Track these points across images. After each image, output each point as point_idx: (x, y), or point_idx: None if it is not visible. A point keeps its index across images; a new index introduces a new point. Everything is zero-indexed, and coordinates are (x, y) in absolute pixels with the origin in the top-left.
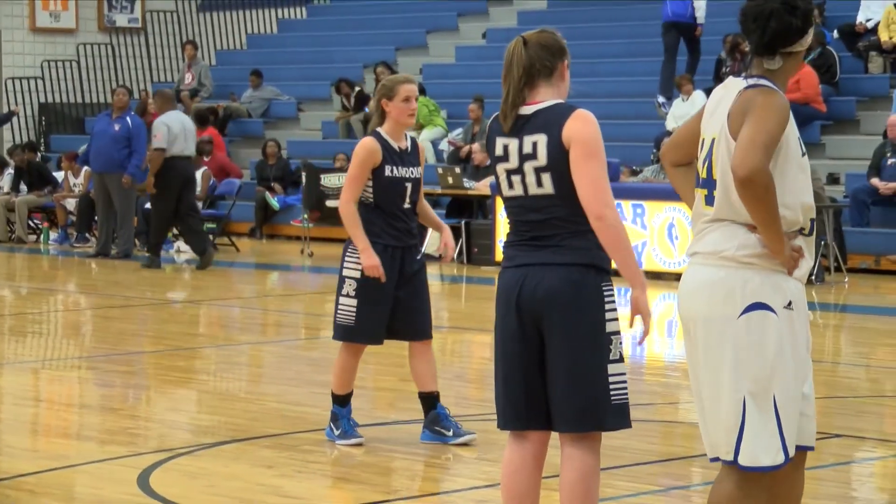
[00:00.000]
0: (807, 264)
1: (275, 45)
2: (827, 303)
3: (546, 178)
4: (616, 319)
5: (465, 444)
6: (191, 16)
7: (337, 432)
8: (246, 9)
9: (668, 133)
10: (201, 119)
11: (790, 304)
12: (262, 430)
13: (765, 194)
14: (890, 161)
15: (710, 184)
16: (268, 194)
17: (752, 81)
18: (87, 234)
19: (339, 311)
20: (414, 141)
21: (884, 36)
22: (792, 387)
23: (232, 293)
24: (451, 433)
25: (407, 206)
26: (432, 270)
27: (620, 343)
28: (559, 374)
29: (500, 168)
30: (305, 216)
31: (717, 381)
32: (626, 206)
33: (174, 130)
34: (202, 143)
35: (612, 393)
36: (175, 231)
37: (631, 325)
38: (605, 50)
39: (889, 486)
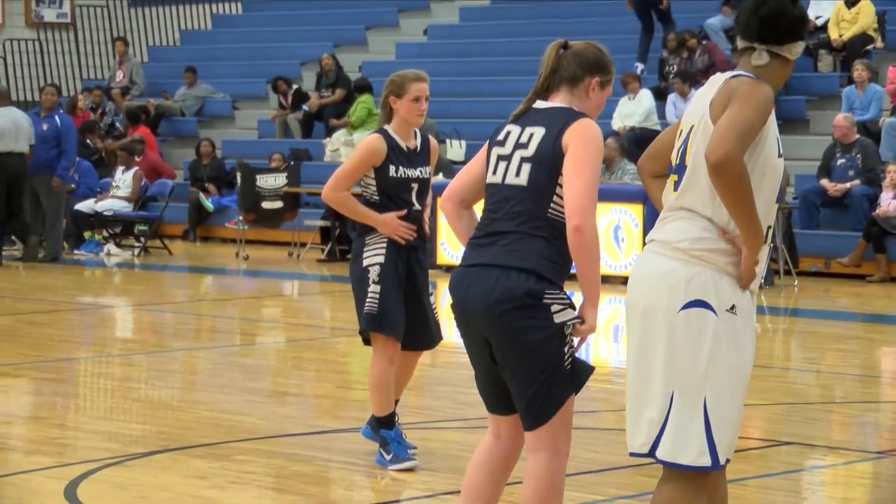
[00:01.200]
0: (759, 273)
1: (209, 41)
2: (776, 307)
3: (525, 168)
4: (559, 324)
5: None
6: (122, 11)
7: (388, 458)
8: (179, 4)
9: (615, 133)
10: (133, 118)
11: (733, 307)
12: (194, 440)
13: (737, 182)
14: (839, 162)
15: (681, 170)
16: (201, 195)
17: (738, 72)
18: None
19: (368, 300)
20: (425, 138)
21: (833, 34)
22: (728, 394)
23: (164, 297)
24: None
25: (415, 207)
26: None
27: (568, 343)
28: (509, 380)
29: (494, 152)
30: (240, 218)
31: (649, 372)
32: None
33: (2, 127)
34: (133, 142)
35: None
36: (105, 233)
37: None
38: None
39: (839, 494)
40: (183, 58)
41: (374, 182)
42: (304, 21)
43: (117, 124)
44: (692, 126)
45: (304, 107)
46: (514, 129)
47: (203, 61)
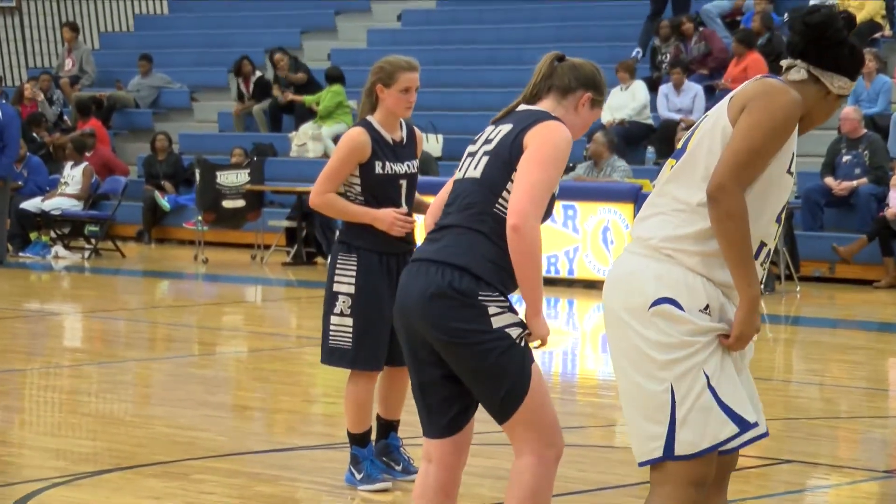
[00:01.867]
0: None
1: (165, 27)
2: (777, 314)
3: (483, 161)
4: (499, 329)
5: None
6: None
7: (359, 476)
8: None
9: (603, 126)
10: (83, 109)
11: (707, 308)
12: (148, 458)
13: (727, 219)
14: (845, 158)
15: (679, 154)
16: (157, 194)
17: (771, 76)
18: None
19: (331, 333)
20: (410, 129)
21: None
22: (720, 363)
23: (117, 304)
24: (399, 467)
25: (402, 207)
26: None
27: (516, 339)
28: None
29: (467, 150)
30: (199, 218)
31: (638, 373)
32: (556, 206)
33: None
34: (84, 136)
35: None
36: (53, 234)
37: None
38: (532, 35)
39: None
40: (137, 45)
41: (357, 181)
42: (269, 6)
43: (66, 117)
44: (707, 115)
45: (279, 98)
46: (489, 129)
47: (159, 48)
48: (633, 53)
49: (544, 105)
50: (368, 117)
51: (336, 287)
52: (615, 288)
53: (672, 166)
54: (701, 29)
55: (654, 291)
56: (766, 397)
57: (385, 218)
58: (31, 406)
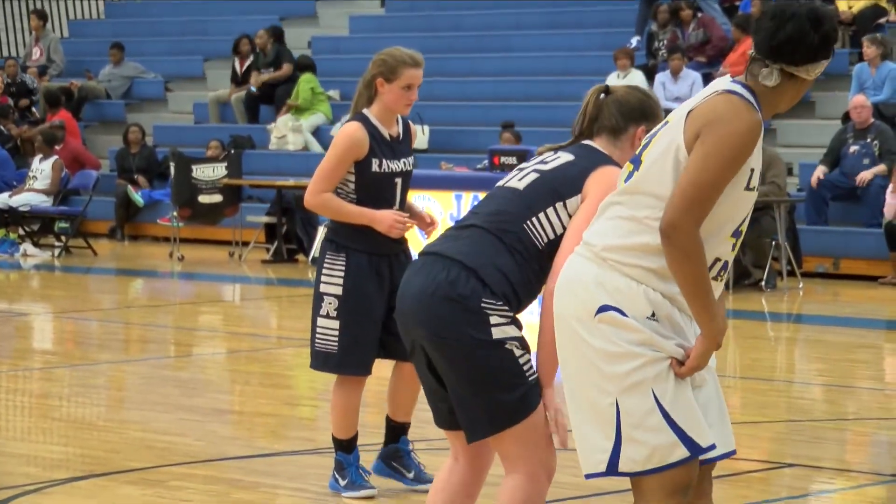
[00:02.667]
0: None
1: (138, 13)
2: (779, 312)
3: (531, 177)
4: (498, 340)
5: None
6: None
7: (343, 483)
8: None
9: None
10: (52, 100)
11: (653, 315)
12: (123, 464)
13: (682, 257)
14: (852, 149)
15: (636, 161)
16: (130, 188)
17: (734, 87)
18: None
19: (317, 336)
20: (406, 123)
21: (842, 5)
22: (671, 381)
23: (88, 304)
24: (411, 475)
25: (396, 205)
26: None
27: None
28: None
29: (516, 168)
30: (174, 214)
31: (585, 384)
32: None
33: None
34: (53, 128)
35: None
36: (21, 232)
37: None
38: (522, 20)
39: None
40: (108, 32)
41: (352, 178)
42: None
43: (34, 108)
44: (668, 121)
45: (252, 88)
46: (547, 154)
47: (131, 36)
48: (633, 42)
49: (599, 144)
50: (365, 111)
51: (323, 288)
52: (561, 292)
53: (629, 173)
54: (699, 15)
55: (598, 298)
56: (767, 398)
57: (384, 220)
58: (0, 411)
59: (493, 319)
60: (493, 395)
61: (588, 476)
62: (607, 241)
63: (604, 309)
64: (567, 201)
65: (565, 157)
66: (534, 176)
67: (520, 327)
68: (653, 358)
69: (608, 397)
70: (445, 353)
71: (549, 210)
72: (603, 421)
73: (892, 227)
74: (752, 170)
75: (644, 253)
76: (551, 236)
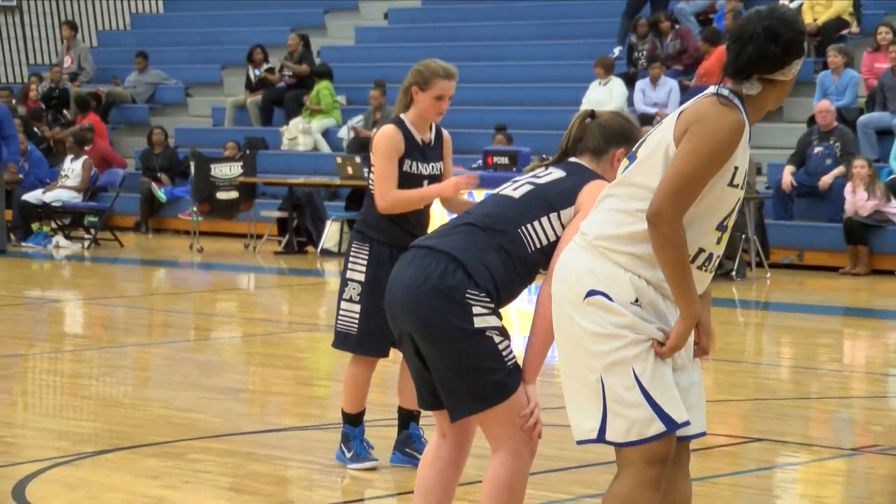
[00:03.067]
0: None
1: (161, 25)
2: (748, 300)
3: (525, 188)
4: (479, 329)
5: None
6: None
7: (349, 455)
8: None
9: None
10: (82, 105)
11: (637, 301)
12: (146, 438)
13: (664, 243)
14: (816, 150)
15: (632, 157)
16: (154, 185)
17: (722, 91)
18: None
19: (339, 317)
20: (438, 130)
21: (808, 18)
22: (651, 360)
23: (115, 291)
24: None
25: (420, 207)
26: (330, 267)
27: (496, 350)
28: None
29: (510, 181)
30: (194, 209)
31: (574, 360)
32: None
33: None
34: (83, 130)
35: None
36: (54, 225)
37: None
38: (513, 31)
39: (812, 492)
40: (133, 42)
41: (373, 173)
42: (260, 5)
43: (66, 112)
44: (663, 120)
45: (257, 71)
46: (539, 169)
47: (154, 46)
48: (616, 52)
49: (584, 162)
50: (402, 115)
51: (349, 274)
52: (557, 278)
53: (625, 167)
54: (677, 27)
55: (588, 283)
56: (737, 378)
57: (448, 186)
58: (34, 389)
59: (476, 310)
60: (473, 378)
61: (579, 442)
62: (600, 231)
63: (592, 294)
64: (561, 213)
65: (557, 173)
66: (528, 187)
67: (500, 318)
68: (634, 339)
69: (594, 374)
70: (431, 340)
71: (543, 219)
72: (592, 394)
73: (851, 223)
74: (737, 168)
75: (632, 241)
76: (544, 243)
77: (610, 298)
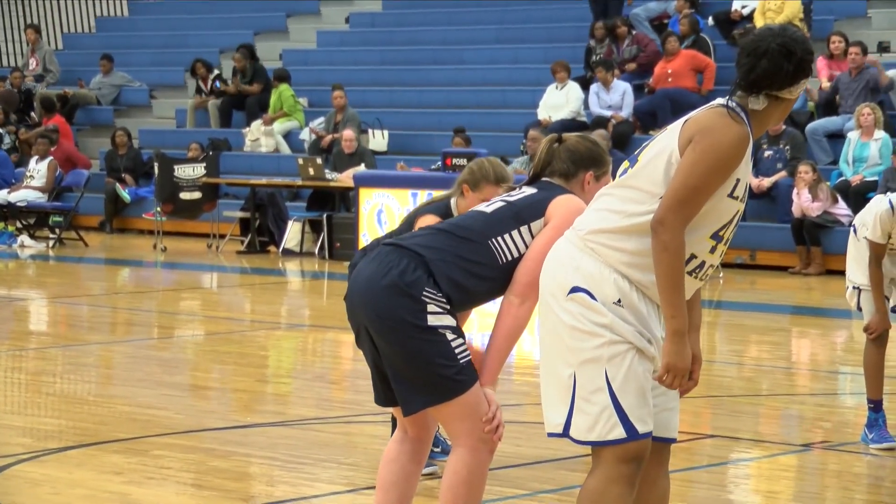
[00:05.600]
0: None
1: (126, 28)
2: (702, 299)
3: (497, 205)
4: (432, 326)
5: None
6: None
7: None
8: None
9: (539, 123)
10: (47, 106)
11: (619, 301)
12: (110, 435)
13: (662, 251)
14: (767, 154)
15: (633, 160)
16: (118, 186)
17: (729, 104)
18: None
19: None
20: None
21: (759, 23)
22: (626, 364)
23: (80, 290)
24: (438, 449)
25: None
26: (291, 266)
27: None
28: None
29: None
30: (158, 209)
31: (551, 353)
32: None
33: None
34: (48, 131)
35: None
36: (19, 225)
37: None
38: (472, 36)
39: (764, 487)
40: (99, 45)
41: None
42: (223, 8)
43: (32, 114)
44: (668, 126)
45: (217, 83)
46: (512, 192)
47: (119, 49)
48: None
49: (555, 182)
50: (452, 200)
51: None
52: (545, 271)
53: (625, 169)
54: (634, 32)
55: (573, 279)
56: None
57: None
58: None
59: (431, 308)
60: (425, 373)
61: (549, 435)
62: (591, 227)
63: (576, 290)
64: (531, 224)
65: (529, 190)
66: (501, 204)
67: (455, 318)
68: (611, 340)
69: (569, 368)
70: (384, 333)
71: (514, 232)
72: (563, 388)
73: (798, 224)
74: (738, 180)
75: (623, 237)
76: (515, 254)
77: (593, 297)
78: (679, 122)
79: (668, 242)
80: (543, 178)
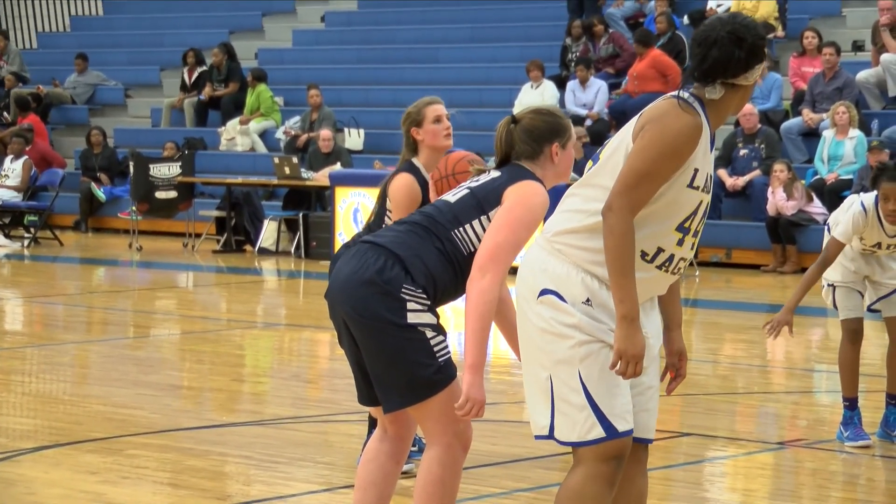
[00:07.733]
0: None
1: (101, 27)
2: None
3: (462, 193)
4: (411, 324)
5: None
6: None
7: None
8: None
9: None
10: (22, 105)
11: (588, 301)
12: (85, 434)
13: (608, 235)
14: (742, 152)
15: (595, 158)
16: (93, 185)
17: (681, 94)
18: None
19: None
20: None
21: None
22: (599, 364)
23: (55, 289)
24: (415, 448)
25: None
26: (267, 265)
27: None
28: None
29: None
30: (133, 208)
31: (529, 357)
32: None
33: None
34: (22, 130)
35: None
36: None
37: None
38: (448, 35)
39: (740, 485)
40: (73, 44)
41: (391, 220)
42: (199, 7)
43: (6, 113)
44: (629, 123)
45: (201, 96)
46: (481, 175)
47: (94, 48)
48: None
49: (523, 164)
50: (413, 160)
51: None
52: (518, 276)
53: (589, 168)
54: (610, 31)
55: (541, 282)
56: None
57: None
58: None
59: (410, 305)
60: (404, 371)
61: (536, 437)
62: (557, 228)
63: (545, 293)
64: (490, 213)
65: (494, 174)
66: (465, 192)
67: (436, 315)
68: (581, 340)
69: (545, 371)
70: (364, 331)
71: (475, 222)
72: (543, 391)
73: (773, 222)
74: (696, 170)
75: (589, 236)
76: (478, 245)
77: (561, 298)
78: (635, 118)
79: (613, 226)
80: (513, 161)
